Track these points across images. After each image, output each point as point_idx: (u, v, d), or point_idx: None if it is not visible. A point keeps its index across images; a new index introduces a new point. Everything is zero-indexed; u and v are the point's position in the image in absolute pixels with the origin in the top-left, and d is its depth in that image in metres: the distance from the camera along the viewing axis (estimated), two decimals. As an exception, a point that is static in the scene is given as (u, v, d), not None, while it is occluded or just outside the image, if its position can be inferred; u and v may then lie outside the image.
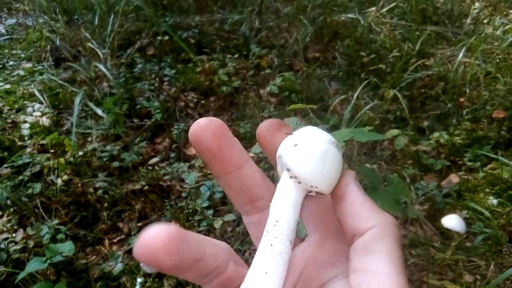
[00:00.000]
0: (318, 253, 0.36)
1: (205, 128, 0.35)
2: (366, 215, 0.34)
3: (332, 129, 1.89)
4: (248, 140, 2.07)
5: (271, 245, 0.34)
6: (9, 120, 2.31)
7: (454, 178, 1.86)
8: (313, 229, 0.38)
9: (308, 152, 0.34)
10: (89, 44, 2.69)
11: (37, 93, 2.47)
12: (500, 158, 1.83)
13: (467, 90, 2.36)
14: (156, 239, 0.29)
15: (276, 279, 0.34)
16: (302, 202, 0.36)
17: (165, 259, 0.29)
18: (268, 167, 1.63)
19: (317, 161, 0.34)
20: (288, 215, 0.34)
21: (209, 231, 1.66)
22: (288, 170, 0.34)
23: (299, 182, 0.34)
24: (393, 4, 3.04)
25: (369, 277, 0.32)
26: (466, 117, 2.18)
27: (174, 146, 2.13)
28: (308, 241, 0.38)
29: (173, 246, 0.29)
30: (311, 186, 0.34)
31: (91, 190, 1.86)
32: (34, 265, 1.28)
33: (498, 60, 2.61)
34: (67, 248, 1.35)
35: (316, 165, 0.34)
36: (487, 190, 1.78)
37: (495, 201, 1.72)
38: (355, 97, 2.05)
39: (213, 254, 0.32)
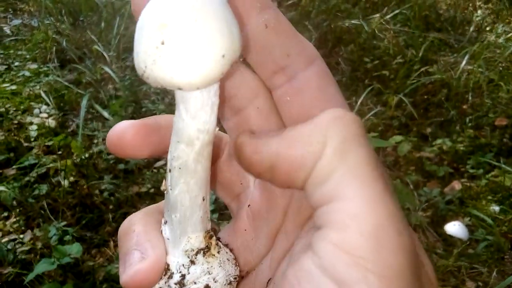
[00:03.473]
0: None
1: None
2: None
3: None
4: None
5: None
6: (15, 121, 2.33)
7: (456, 184, 1.88)
8: None
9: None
10: (95, 46, 2.71)
11: (43, 95, 2.49)
12: (503, 165, 1.84)
13: (470, 98, 2.38)
14: (123, 135, 0.29)
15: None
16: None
17: (137, 153, 0.29)
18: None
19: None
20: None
21: (214, 235, 1.67)
22: None
23: None
24: (397, 11, 3.06)
25: (334, 205, 0.26)
26: (469, 124, 2.20)
27: (179, 149, 2.14)
28: None
29: (142, 140, 0.29)
30: None
31: (97, 192, 1.87)
32: (43, 266, 1.30)
33: (501, 68, 2.63)
34: (74, 249, 1.36)
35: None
36: (489, 197, 1.80)
37: (497, 208, 1.74)
38: (359, 103, 2.07)
39: None
